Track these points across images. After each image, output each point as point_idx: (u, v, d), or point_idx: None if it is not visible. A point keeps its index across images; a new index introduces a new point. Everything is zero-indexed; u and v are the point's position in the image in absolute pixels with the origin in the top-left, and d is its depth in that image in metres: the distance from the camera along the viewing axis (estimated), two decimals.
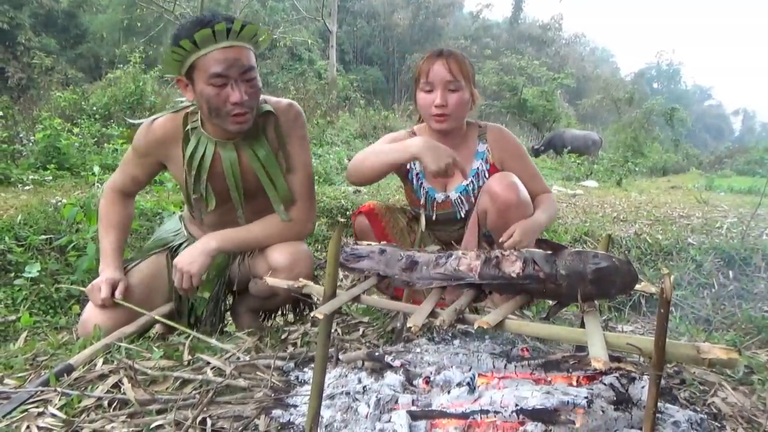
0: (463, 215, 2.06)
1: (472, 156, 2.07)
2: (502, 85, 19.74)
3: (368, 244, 1.35)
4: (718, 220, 4.66)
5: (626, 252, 3.67)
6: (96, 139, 6.84)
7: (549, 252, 1.14)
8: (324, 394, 1.20)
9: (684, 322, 2.54)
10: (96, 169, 3.60)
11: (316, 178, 6.60)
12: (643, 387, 1.20)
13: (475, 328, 0.95)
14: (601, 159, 13.29)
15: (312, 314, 0.99)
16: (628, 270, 1.10)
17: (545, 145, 14.83)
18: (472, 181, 2.05)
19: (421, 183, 2.11)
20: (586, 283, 1.08)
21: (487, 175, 2.04)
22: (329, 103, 13.07)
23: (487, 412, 1.09)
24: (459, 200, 2.06)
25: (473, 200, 2.04)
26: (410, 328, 0.96)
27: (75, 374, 1.44)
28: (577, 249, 1.14)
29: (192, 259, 1.78)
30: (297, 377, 1.45)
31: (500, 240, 1.84)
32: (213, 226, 1.94)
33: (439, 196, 2.08)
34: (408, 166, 2.13)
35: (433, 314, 1.03)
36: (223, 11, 19.70)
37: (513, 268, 1.14)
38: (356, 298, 1.15)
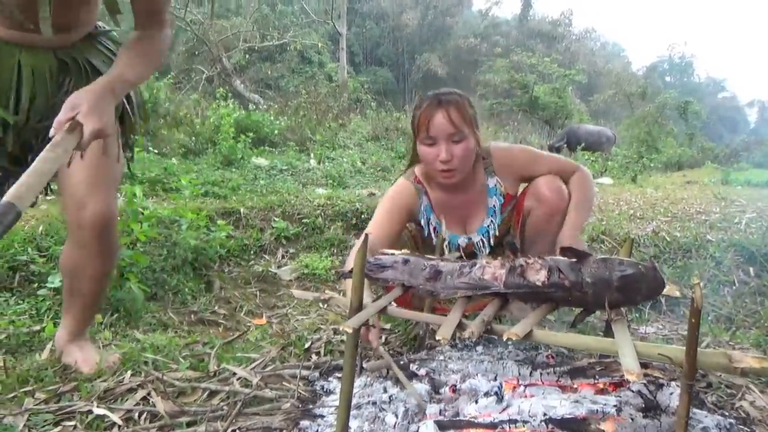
0: (485, 254, 2.01)
1: (485, 195, 2.00)
2: (513, 83, 19.66)
3: (391, 254, 1.36)
4: (736, 215, 4.62)
5: (652, 258, 3.64)
6: None
7: (574, 260, 1.14)
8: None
9: (705, 320, 2.52)
10: None
11: (330, 181, 6.61)
12: (671, 393, 1.20)
13: (504, 339, 0.95)
14: (615, 155, 13.16)
15: (341, 328, 1.00)
16: (654, 276, 1.10)
17: (561, 141, 14.26)
18: (491, 221, 2.00)
19: (439, 233, 1.97)
20: (612, 291, 1.08)
21: (502, 208, 2.00)
22: (340, 106, 13.09)
23: (515, 421, 1.09)
24: (481, 242, 2.00)
25: (493, 242, 2.00)
26: (439, 340, 0.96)
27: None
28: (602, 256, 1.14)
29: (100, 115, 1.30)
30: (322, 387, 1.46)
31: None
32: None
33: (462, 240, 2.01)
34: (422, 222, 2.02)
35: (460, 325, 1.03)
36: (233, 15, 19.78)
37: (538, 276, 1.14)
38: (383, 310, 1.15)
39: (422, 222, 2.00)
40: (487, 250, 2.00)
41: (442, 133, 1.80)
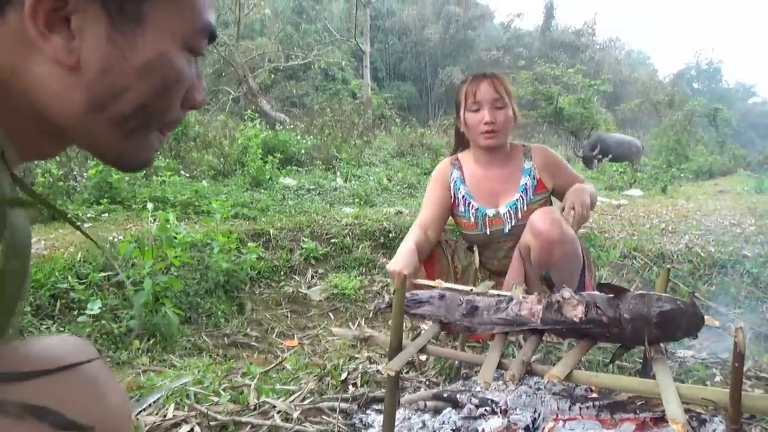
0: (509, 229, 2.12)
1: (519, 173, 2.18)
2: (537, 95, 19.52)
3: (428, 286, 1.37)
4: None
5: (691, 293, 3.58)
6: (144, 171, 7.04)
7: (611, 295, 1.15)
8: None
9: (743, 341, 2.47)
10: (150, 206, 3.73)
11: (357, 200, 6.61)
12: (714, 430, 1.19)
13: (545, 381, 0.96)
14: (644, 165, 12.91)
15: (383, 371, 1.01)
16: (694, 312, 1.10)
17: (596, 151, 13.20)
18: (521, 196, 2.13)
19: (469, 203, 2.18)
20: (651, 327, 1.08)
21: (534, 191, 2.14)
22: (365, 123, 13.15)
23: None
24: (508, 214, 2.12)
25: (520, 216, 2.10)
26: (482, 381, 0.97)
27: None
28: (640, 291, 1.14)
29: None
30: (361, 420, 1.47)
31: (564, 215, 1.86)
32: None
33: (490, 212, 2.15)
34: (452, 192, 2.21)
35: (500, 366, 1.04)
36: (257, 36, 20.08)
37: (575, 312, 1.15)
38: (422, 349, 1.16)
39: (452, 191, 2.21)
40: (513, 223, 2.11)
41: (487, 98, 2.06)
